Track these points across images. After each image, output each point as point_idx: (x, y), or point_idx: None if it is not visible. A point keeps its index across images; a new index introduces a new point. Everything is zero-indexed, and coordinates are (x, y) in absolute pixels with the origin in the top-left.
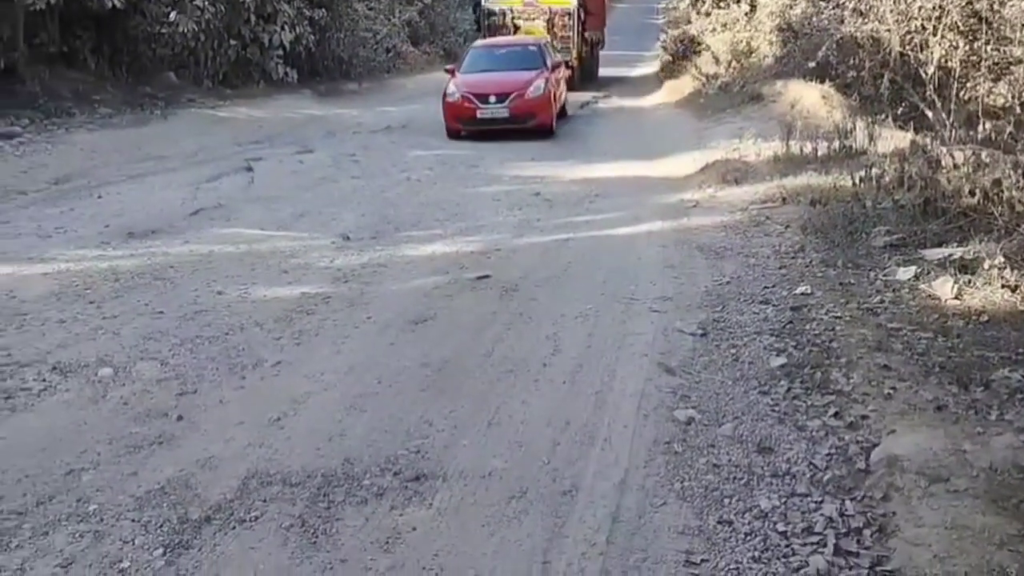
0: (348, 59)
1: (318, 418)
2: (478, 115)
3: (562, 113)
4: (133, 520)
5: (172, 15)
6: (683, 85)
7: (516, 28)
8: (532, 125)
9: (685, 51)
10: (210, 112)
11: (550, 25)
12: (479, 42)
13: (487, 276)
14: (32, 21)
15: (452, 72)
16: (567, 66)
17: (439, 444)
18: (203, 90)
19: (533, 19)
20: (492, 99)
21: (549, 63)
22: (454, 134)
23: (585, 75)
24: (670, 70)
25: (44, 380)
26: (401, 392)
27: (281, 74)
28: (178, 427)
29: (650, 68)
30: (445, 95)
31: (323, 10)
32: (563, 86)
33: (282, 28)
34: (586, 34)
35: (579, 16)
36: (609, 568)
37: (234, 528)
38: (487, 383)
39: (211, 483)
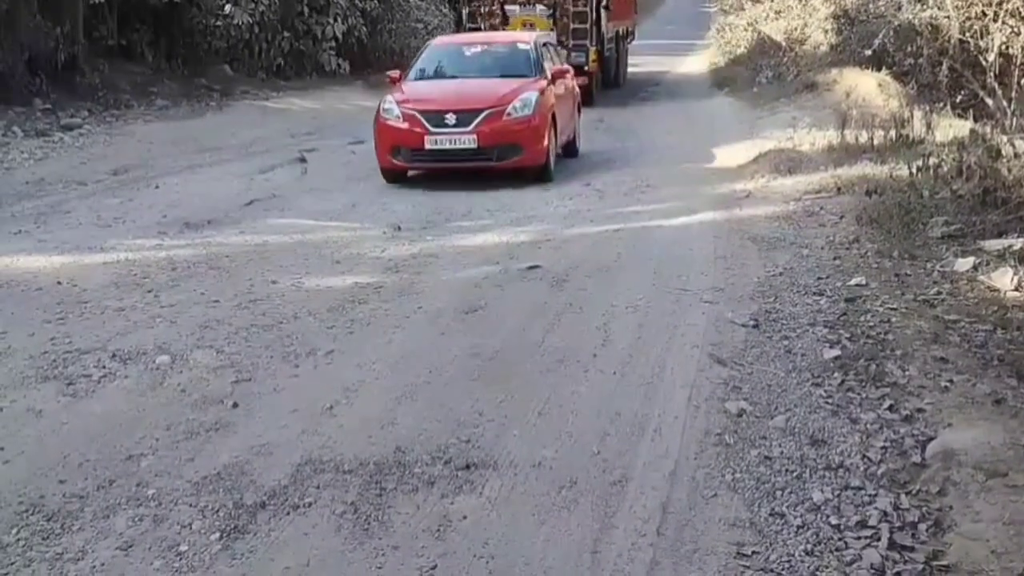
0: (399, 50)
1: (370, 407)
2: (426, 144)
3: (570, 148)
4: (190, 505)
5: (227, 8)
6: (735, 74)
7: (506, 19)
8: (514, 163)
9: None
10: (264, 104)
11: (557, 14)
12: (441, 38)
13: (537, 266)
14: (92, 15)
15: (396, 80)
16: (581, 73)
17: (489, 433)
18: (257, 82)
19: (532, 3)
20: (450, 119)
21: (548, 70)
22: (391, 175)
23: (607, 80)
24: (728, 59)
25: (104, 367)
26: (451, 382)
27: (333, 66)
28: (234, 414)
29: (702, 56)
30: (379, 113)
31: (375, 1)
32: (573, 106)
33: (334, 20)
34: (609, 26)
35: (599, 1)
36: (659, 559)
37: (288, 514)
38: (537, 373)
39: (266, 469)
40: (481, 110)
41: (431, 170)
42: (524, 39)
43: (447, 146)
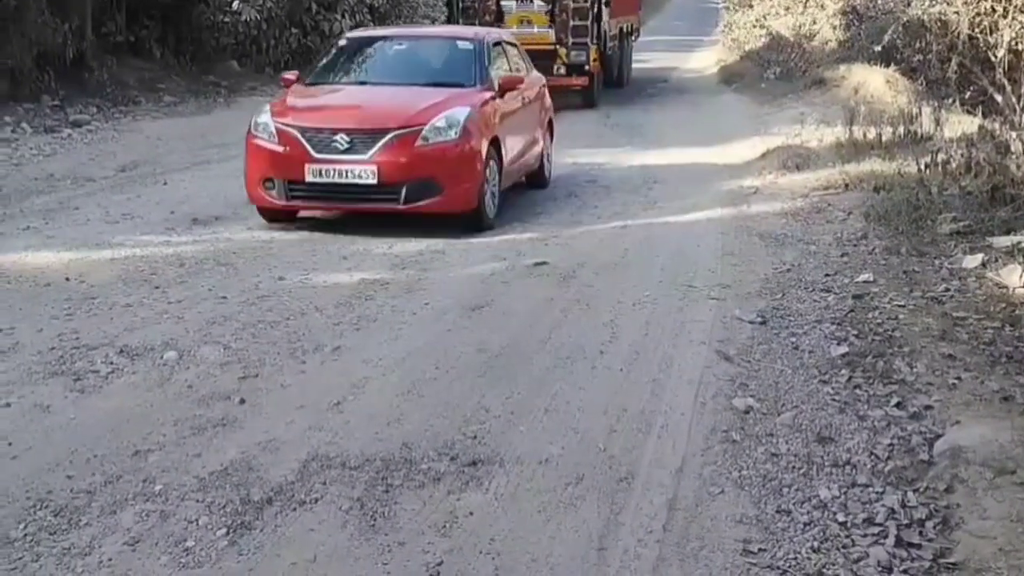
0: None
1: (376, 403)
2: (307, 175)
3: (536, 178)
4: (197, 500)
5: (235, 4)
6: (743, 71)
7: (501, 15)
8: (429, 207)
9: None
10: (272, 100)
11: (556, 10)
12: (360, 30)
13: (544, 263)
14: (100, 11)
15: (292, 83)
16: (581, 73)
17: (496, 430)
18: (265, 78)
19: None
20: (341, 142)
21: (494, 77)
22: (268, 213)
23: (609, 80)
24: (736, 56)
25: (112, 363)
26: (458, 378)
27: None
28: (241, 410)
29: (710, 52)
30: (251, 129)
31: None
32: (539, 126)
33: (342, 16)
34: (611, 23)
35: None
36: (665, 555)
37: (295, 510)
38: (544, 370)
39: (273, 465)
40: (385, 131)
41: (318, 209)
42: (467, 35)
43: (335, 179)
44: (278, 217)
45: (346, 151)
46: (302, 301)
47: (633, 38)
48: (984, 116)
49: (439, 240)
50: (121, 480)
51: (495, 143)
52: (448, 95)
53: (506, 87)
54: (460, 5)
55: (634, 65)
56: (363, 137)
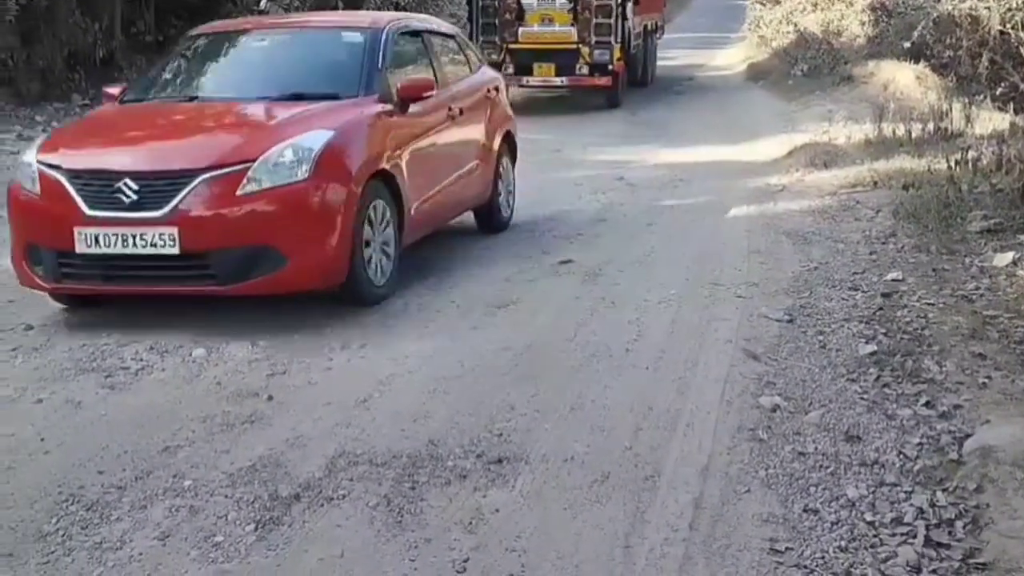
0: None
1: (403, 400)
2: (78, 243)
3: (490, 216)
4: (226, 496)
5: (262, 3)
6: (770, 68)
7: (522, 13)
8: (268, 283)
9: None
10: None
11: (578, 8)
12: (216, 24)
13: (570, 261)
14: (129, 11)
15: (115, 97)
16: (605, 73)
17: (521, 427)
18: None
19: None
20: (128, 191)
21: (391, 83)
22: (60, 297)
23: (633, 80)
24: (763, 53)
25: (142, 360)
26: (484, 376)
27: None
28: (269, 407)
29: (737, 50)
30: (17, 174)
31: None
32: (488, 145)
33: None
34: (635, 20)
35: None
36: (691, 554)
37: (322, 506)
38: (569, 368)
39: (300, 462)
40: (191, 173)
41: (100, 292)
42: (361, 24)
43: (118, 248)
44: (78, 302)
45: (134, 205)
46: (327, 298)
47: (658, 36)
48: (1016, 112)
49: (461, 237)
50: (151, 476)
51: (387, 178)
52: (311, 112)
53: (408, 96)
54: (479, 3)
55: (659, 63)
56: (159, 183)
